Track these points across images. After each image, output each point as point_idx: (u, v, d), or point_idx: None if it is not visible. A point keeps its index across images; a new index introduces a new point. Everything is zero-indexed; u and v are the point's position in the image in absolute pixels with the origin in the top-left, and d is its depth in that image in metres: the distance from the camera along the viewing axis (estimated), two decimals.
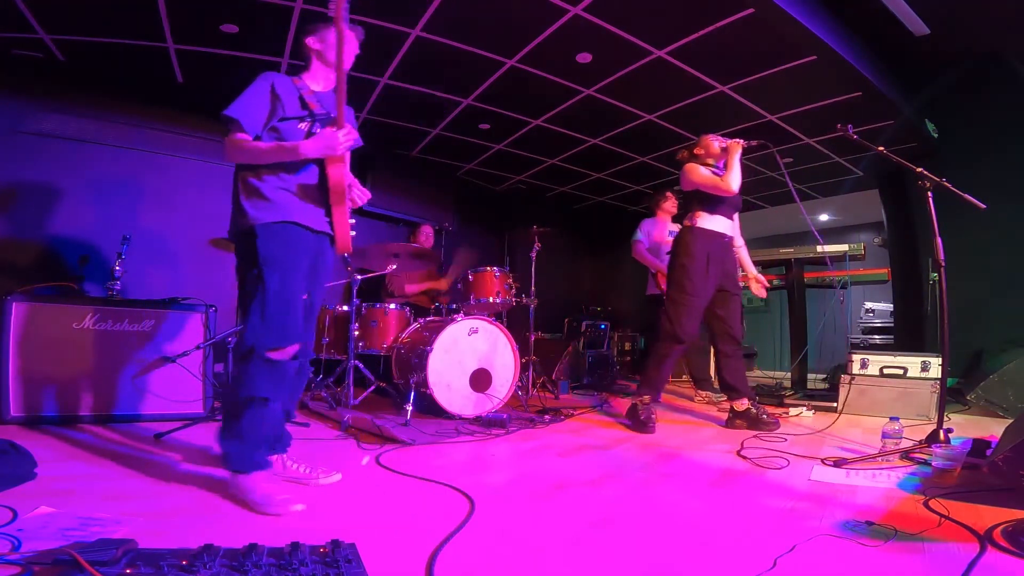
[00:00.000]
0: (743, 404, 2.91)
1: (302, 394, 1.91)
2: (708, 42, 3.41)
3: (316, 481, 1.72)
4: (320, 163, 1.68)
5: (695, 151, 3.06)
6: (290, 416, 1.84)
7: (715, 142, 2.99)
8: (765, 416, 2.82)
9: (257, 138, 1.64)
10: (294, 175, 1.67)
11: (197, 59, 3.67)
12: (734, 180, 2.84)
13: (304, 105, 1.69)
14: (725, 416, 3.02)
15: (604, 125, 4.78)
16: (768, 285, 3.35)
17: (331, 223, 1.73)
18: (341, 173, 1.66)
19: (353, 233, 1.82)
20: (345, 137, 1.61)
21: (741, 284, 3.38)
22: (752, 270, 3.27)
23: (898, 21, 3.56)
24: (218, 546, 1.06)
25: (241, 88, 1.65)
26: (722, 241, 2.93)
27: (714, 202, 2.91)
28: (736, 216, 3.08)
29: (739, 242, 3.12)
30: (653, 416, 2.83)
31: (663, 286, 3.70)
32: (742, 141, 2.90)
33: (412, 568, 1.12)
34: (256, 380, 1.56)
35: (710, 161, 3.01)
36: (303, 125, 1.68)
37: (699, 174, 2.91)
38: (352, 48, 1.76)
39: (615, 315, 6.00)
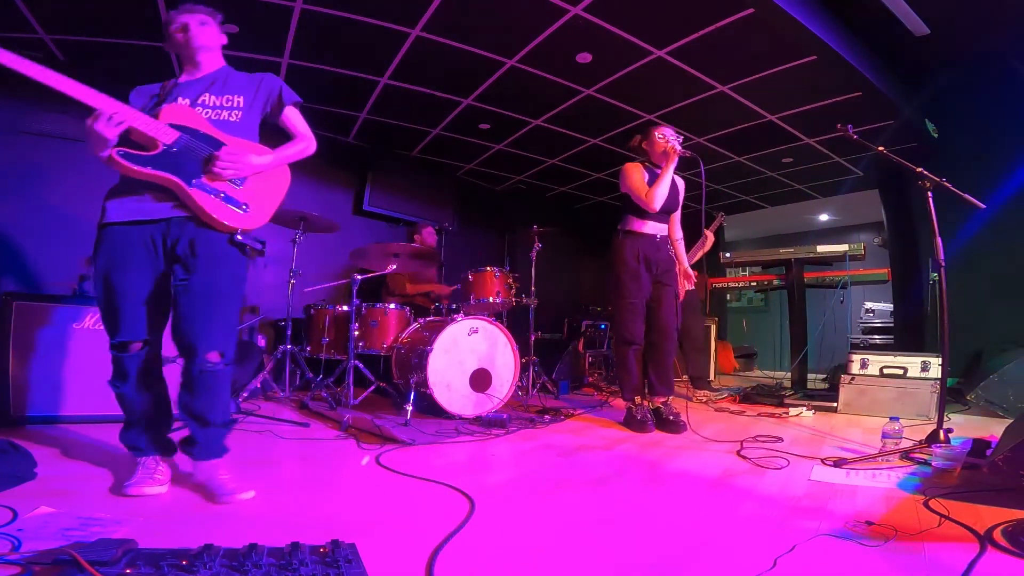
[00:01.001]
0: (657, 401, 2.92)
1: (215, 393, 1.69)
2: (708, 42, 3.41)
3: (223, 498, 1.53)
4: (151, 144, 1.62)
5: (643, 144, 3.00)
6: (201, 420, 1.65)
7: (659, 139, 2.90)
8: (671, 417, 2.81)
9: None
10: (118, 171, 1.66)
11: None
12: (658, 196, 2.81)
13: (151, 98, 1.71)
14: (722, 416, 3.02)
15: (604, 125, 4.78)
16: (695, 283, 3.36)
17: (181, 205, 1.63)
18: (108, 156, 1.57)
19: (239, 208, 1.67)
20: (93, 121, 1.52)
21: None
22: (684, 264, 3.24)
23: (898, 21, 3.56)
24: (218, 546, 1.06)
25: None
26: (653, 241, 2.95)
27: (640, 210, 2.90)
28: (675, 215, 3.08)
29: (677, 235, 3.14)
30: (649, 416, 2.83)
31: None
32: (679, 148, 2.80)
33: (412, 568, 1.12)
34: (112, 369, 1.65)
35: (656, 160, 2.95)
36: None
37: (631, 180, 2.88)
38: (175, 32, 1.75)
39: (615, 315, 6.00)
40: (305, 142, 1.87)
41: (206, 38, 1.77)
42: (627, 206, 2.97)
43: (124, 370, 1.63)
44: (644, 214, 2.91)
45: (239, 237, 1.69)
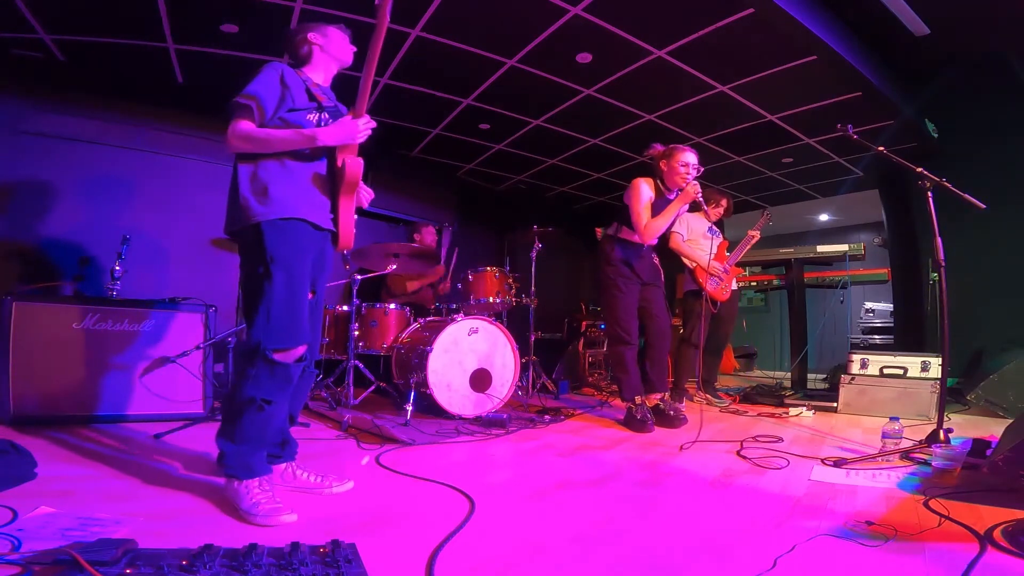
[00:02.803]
0: (655, 398, 2.97)
1: (308, 395, 1.83)
2: (708, 42, 3.41)
3: (329, 490, 1.65)
4: (330, 155, 1.65)
5: (661, 163, 2.89)
6: (294, 420, 1.77)
7: (679, 168, 2.80)
8: (671, 412, 2.88)
9: (263, 127, 1.59)
10: (304, 166, 1.62)
11: (197, 59, 3.67)
12: (654, 230, 2.83)
13: (312, 97, 1.65)
14: (722, 416, 3.03)
15: (604, 125, 4.78)
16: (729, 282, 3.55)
17: (335, 219, 1.69)
18: (357, 163, 1.61)
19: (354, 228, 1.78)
20: (365, 125, 1.59)
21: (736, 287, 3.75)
22: (703, 263, 3.49)
23: (898, 21, 3.56)
24: (218, 546, 1.06)
25: (243, 86, 1.61)
26: (639, 251, 3.01)
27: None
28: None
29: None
30: (649, 416, 2.84)
31: (701, 280, 3.68)
32: (697, 192, 2.74)
33: (412, 568, 1.12)
34: (260, 381, 1.51)
35: (668, 184, 2.88)
36: (312, 116, 1.64)
37: (637, 203, 2.82)
38: (348, 46, 1.78)
39: None
40: None
41: None
42: (624, 218, 2.97)
43: (287, 379, 1.55)
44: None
45: (347, 254, 1.77)
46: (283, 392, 1.56)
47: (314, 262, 1.68)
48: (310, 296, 1.68)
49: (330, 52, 1.74)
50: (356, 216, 1.73)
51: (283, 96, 1.61)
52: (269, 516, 1.38)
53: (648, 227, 2.81)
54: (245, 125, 1.55)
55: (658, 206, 2.86)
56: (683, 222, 3.82)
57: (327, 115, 1.66)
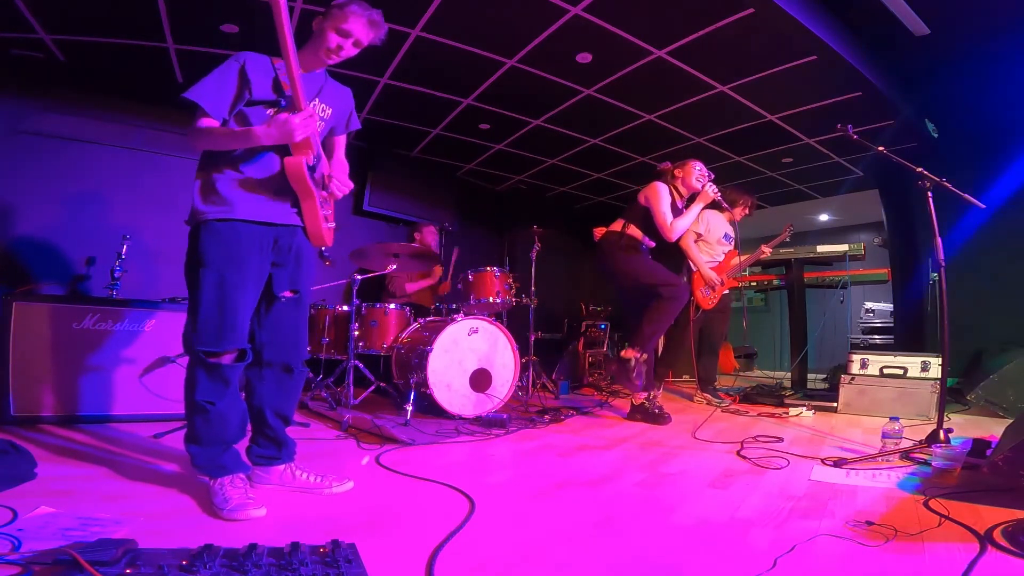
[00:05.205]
0: (640, 398, 3.06)
1: (299, 395, 1.79)
2: (708, 42, 3.41)
3: (328, 490, 1.64)
4: (282, 151, 1.56)
5: (675, 171, 3.13)
6: (288, 420, 1.73)
7: (695, 172, 3.06)
8: (656, 411, 2.98)
9: (224, 123, 1.53)
10: (252, 165, 1.56)
11: (197, 59, 3.67)
12: (679, 229, 2.98)
13: (277, 88, 1.55)
14: (723, 416, 3.05)
15: (604, 125, 4.78)
16: (722, 288, 3.79)
17: (300, 214, 1.64)
18: (299, 162, 1.52)
19: (332, 225, 1.71)
20: (303, 121, 1.46)
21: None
22: (703, 269, 3.73)
23: (898, 21, 3.56)
24: (218, 546, 1.06)
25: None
26: (641, 250, 3.15)
27: (650, 229, 3.08)
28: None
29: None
30: (666, 411, 3.00)
31: (694, 285, 3.73)
32: (716, 193, 3.00)
33: (412, 568, 1.12)
34: (199, 383, 1.52)
35: (682, 191, 3.12)
36: (271, 111, 1.55)
37: (659, 206, 2.96)
38: (357, 30, 1.59)
39: (615, 315, 6.00)
40: (345, 168, 1.83)
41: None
42: (635, 217, 3.08)
43: (225, 380, 1.53)
44: (647, 230, 3.07)
45: (324, 250, 1.77)
46: (223, 394, 1.53)
47: (280, 259, 1.64)
48: (289, 294, 1.66)
49: (324, 32, 1.58)
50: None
51: (240, 91, 1.54)
52: (237, 511, 1.39)
53: (673, 226, 2.95)
54: (199, 123, 1.50)
55: (673, 210, 3.02)
56: (703, 220, 3.85)
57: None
